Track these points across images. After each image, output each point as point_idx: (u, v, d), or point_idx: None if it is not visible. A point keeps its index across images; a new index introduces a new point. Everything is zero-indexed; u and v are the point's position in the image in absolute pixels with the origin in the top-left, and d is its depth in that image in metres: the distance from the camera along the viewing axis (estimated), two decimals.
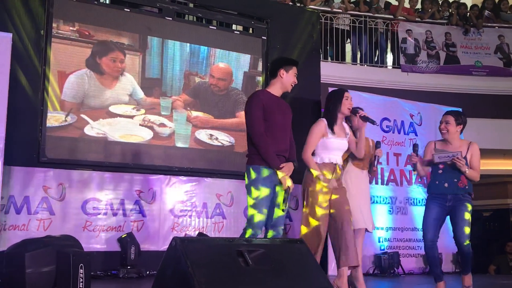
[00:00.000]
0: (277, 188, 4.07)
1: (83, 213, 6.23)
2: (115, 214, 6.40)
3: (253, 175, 4.03)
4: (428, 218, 4.96)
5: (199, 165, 7.05)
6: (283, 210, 4.07)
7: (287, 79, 4.19)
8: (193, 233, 6.75)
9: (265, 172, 4.01)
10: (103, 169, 6.43)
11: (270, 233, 4.09)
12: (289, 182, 4.02)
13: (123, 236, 6.25)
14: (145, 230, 6.54)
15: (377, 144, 5.02)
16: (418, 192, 8.10)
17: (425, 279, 7.02)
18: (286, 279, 3.01)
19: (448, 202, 4.87)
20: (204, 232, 6.80)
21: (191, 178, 6.93)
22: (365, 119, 4.68)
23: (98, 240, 6.26)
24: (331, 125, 4.47)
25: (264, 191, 3.99)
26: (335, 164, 4.45)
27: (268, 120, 4.07)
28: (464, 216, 4.86)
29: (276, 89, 4.23)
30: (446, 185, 4.87)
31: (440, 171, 4.92)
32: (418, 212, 7.99)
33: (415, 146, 5.09)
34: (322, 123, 4.48)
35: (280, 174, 4.01)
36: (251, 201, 4.04)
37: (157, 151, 6.82)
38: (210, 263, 2.86)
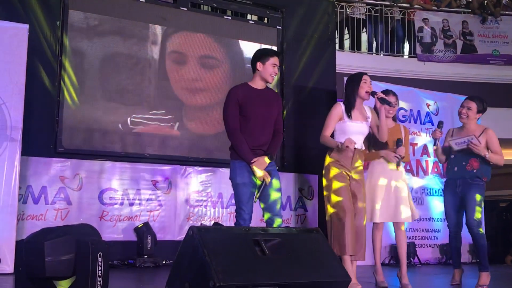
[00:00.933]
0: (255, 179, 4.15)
1: (99, 203, 6.28)
2: (131, 204, 6.44)
3: (231, 170, 4.16)
4: (445, 207, 5.02)
5: (215, 155, 7.07)
6: (254, 201, 4.17)
7: (264, 71, 4.21)
8: (208, 222, 6.78)
9: (241, 167, 4.11)
10: (120, 159, 6.47)
11: (266, 216, 4.24)
12: (259, 174, 4.08)
13: (139, 226, 6.29)
14: (161, 220, 6.57)
15: (440, 124, 5.00)
16: (435, 182, 8.05)
17: (441, 269, 6.99)
18: (302, 268, 3.00)
19: (457, 187, 4.88)
20: (220, 222, 6.83)
21: (207, 168, 6.94)
22: (382, 101, 4.60)
23: (114, 230, 6.31)
24: (348, 109, 4.43)
25: (241, 186, 4.11)
26: (354, 148, 4.39)
27: (245, 115, 4.13)
28: (472, 201, 4.83)
29: (256, 81, 4.25)
30: (455, 169, 4.90)
31: (453, 156, 4.94)
32: (434, 202, 7.95)
33: (440, 123, 5.06)
34: (339, 106, 4.44)
35: (253, 168, 4.08)
36: (234, 195, 4.20)
37: (173, 142, 6.84)
38: (226, 252, 2.86)
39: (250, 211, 4.20)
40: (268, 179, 4.14)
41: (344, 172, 4.36)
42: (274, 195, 4.20)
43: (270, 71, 4.22)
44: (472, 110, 4.92)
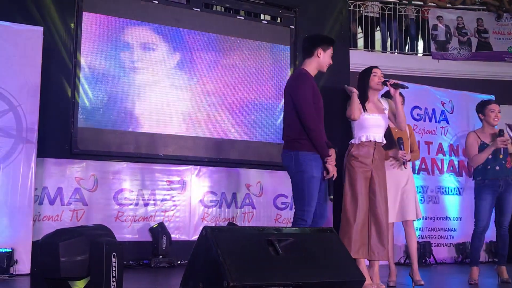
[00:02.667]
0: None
1: (115, 203, 6.32)
2: (146, 205, 6.47)
3: (303, 162, 3.78)
4: (482, 208, 4.98)
5: (229, 156, 7.08)
6: (331, 200, 3.96)
7: (324, 59, 3.92)
8: (223, 223, 6.79)
9: (316, 159, 3.79)
10: (134, 160, 6.50)
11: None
12: (332, 168, 3.85)
13: (154, 226, 6.32)
14: (176, 220, 6.60)
15: (500, 133, 4.98)
16: (450, 180, 7.98)
17: (457, 269, 6.94)
18: (316, 268, 3.00)
19: (500, 188, 4.90)
20: (234, 222, 6.84)
21: (221, 169, 6.96)
22: (396, 86, 4.55)
23: (130, 230, 6.35)
24: (362, 103, 4.35)
25: (316, 180, 3.81)
26: (374, 142, 4.33)
27: (316, 104, 3.83)
28: (511, 201, 4.91)
29: (312, 69, 3.95)
30: (497, 168, 4.91)
31: (490, 156, 4.94)
32: (450, 201, 7.89)
33: (501, 131, 5.05)
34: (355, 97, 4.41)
35: (328, 162, 3.81)
36: (303, 191, 3.79)
37: (187, 142, 6.86)
38: (240, 251, 2.86)
39: (314, 209, 3.83)
40: (336, 174, 3.92)
41: (364, 170, 4.29)
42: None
43: (327, 60, 3.96)
44: (499, 113, 5.07)
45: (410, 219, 4.80)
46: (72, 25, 6.33)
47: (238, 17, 7.53)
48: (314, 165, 3.78)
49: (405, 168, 4.80)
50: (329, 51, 3.95)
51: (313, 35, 4.17)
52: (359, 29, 9.57)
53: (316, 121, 3.77)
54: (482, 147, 5.04)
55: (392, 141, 4.76)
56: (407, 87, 4.62)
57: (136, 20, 6.75)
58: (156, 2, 6.91)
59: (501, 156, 4.97)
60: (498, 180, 4.93)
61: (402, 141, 4.77)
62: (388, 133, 4.65)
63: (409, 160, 4.88)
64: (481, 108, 5.19)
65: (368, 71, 4.47)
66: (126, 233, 6.30)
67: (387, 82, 4.47)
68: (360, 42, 9.59)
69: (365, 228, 4.22)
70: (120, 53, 6.62)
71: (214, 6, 7.54)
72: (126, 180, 6.42)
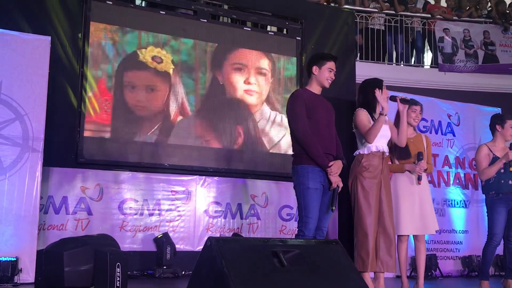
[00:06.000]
0: (325, 188, 4.01)
1: (120, 213, 6.31)
2: (151, 214, 6.46)
3: (301, 175, 3.96)
4: (498, 222, 4.99)
5: (234, 166, 7.07)
6: (332, 210, 4.01)
7: (320, 75, 4.11)
8: (228, 233, 6.77)
9: (313, 171, 3.94)
10: (140, 170, 6.50)
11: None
12: (335, 179, 3.95)
13: (159, 236, 6.31)
14: (181, 230, 6.58)
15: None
16: (457, 193, 7.94)
17: (463, 282, 6.88)
18: (321, 280, 2.98)
19: None
20: (239, 233, 6.82)
21: (226, 179, 6.95)
22: (405, 101, 4.56)
23: (134, 240, 6.33)
24: (371, 114, 4.40)
25: (313, 191, 3.93)
26: (382, 152, 4.35)
27: (312, 118, 4.00)
28: None
29: (314, 86, 4.16)
30: (510, 182, 4.92)
31: (502, 170, 4.94)
32: (456, 214, 7.85)
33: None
34: (363, 111, 4.42)
35: (329, 173, 3.94)
36: (300, 202, 3.97)
37: (192, 152, 6.86)
38: (245, 263, 2.85)
39: (316, 219, 3.96)
40: (341, 185, 4.03)
41: (376, 181, 4.29)
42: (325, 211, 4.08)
43: (326, 75, 4.11)
44: None
45: (431, 233, 4.81)
46: (80, 35, 6.36)
47: (244, 28, 7.55)
48: (310, 177, 3.92)
49: (419, 184, 4.78)
50: (326, 67, 4.10)
51: (312, 55, 4.37)
52: (365, 41, 9.58)
53: (308, 135, 3.93)
54: (494, 160, 5.04)
55: (407, 152, 4.75)
56: (419, 104, 4.65)
57: (143, 31, 6.77)
58: (163, 12, 6.94)
59: (511, 169, 4.97)
60: (511, 194, 4.94)
61: (422, 156, 4.76)
62: (397, 148, 4.66)
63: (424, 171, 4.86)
64: (501, 120, 5.19)
65: (379, 84, 4.48)
66: (131, 243, 6.29)
67: (396, 97, 4.49)
68: (367, 54, 9.59)
69: (375, 239, 4.23)
70: (126, 63, 6.63)
71: (221, 17, 7.57)
72: (131, 189, 6.42)
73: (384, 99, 4.35)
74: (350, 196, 4.38)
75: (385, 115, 4.31)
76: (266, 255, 2.95)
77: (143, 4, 7.17)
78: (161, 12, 6.92)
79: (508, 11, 10.37)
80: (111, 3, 6.63)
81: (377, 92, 4.36)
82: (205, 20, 7.16)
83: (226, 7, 7.47)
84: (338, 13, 8.21)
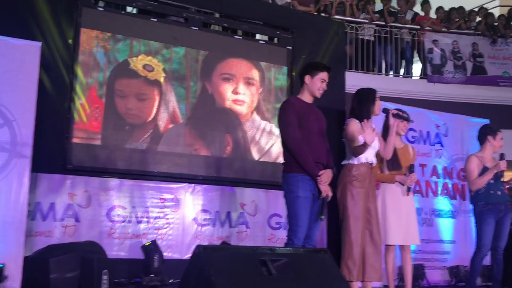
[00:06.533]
0: (314, 197, 4.02)
1: (108, 220, 6.28)
2: (139, 222, 6.43)
3: (291, 183, 3.97)
4: (487, 234, 5.02)
5: (224, 174, 7.06)
6: (321, 219, 4.03)
7: (312, 85, 4.12)
8: (216, 242, 6.75)
9: (303, 180, 3.95)
10: (128, 177, 6.48)
11: None
12: (325, 188, 3.96)
13: (147, 244, 6.28)
14: (169, 238, 6.56)
15: (502, 156, 5.01)
16: (444, 203, 7.98)
17: None
18: None
19: (500, 212, 4.94)
20: (228, 241, 6.80)
21: (215, 187, 6.94)
22: (398, 116, 4.59)
23: (122, 248, 6.29)
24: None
25: (303, 200, 3.94)
26: (371, 162, 4.39)
27: (303, 126, 4.01)
28: (509, 225, 4.96)
29: (305, 95, 4.18)
30: (499, 193, 4.95)
31: (492, 181, 4.98)
32: (444, 224, 7.88)
33: (502, 155, 5.11)
34: (356, 122, 4.44)
35: (318, 182, 3.95)
36: (290, 211, 3.97)
37: (182, 159, 6.85)
38: (233, 271, 2.85)
39: (305, 228, 3.97)
40: (331, 194, 4.03)
41: (364, 190, 4.31)
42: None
43: (318, 85, 4.13)
44: None
45: (415, 243, 4.83)
46: (70, 41, 6.34)
47: (235, 36, 7.57)
48: (301, 185, 3.93)
49: (408, 195, 4.82)
50: (318, 77, 4.11)
51: (306, 63, 4.36)
52: (355, 51, 9.63)
53: (298, 144, 3.93)
54: (485, 170, 5.08)
55: (398, 164, 4.78)
56: (412, 121, 4.69)
57: (135, 38, 6.77)
58: (155, 20, 6.94)
59: (502, 180, 5.02)
60: (500, 204, 4.96)
61: (413, 168, 4.80)
62: (393, 155, 4.68)
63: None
64: (493, 131, 5.23)
65: (373, 95, 4.50)
66: (118, 250, 6.25)
67: (390, 111, 4.53)
68: (356, 64, 9.65)
69: (362, 249, 4.24)
70: (117, 69, 6.62)
71: (212, 26, 7.59)
72: (119, 196, 6.39)
73: (396, 130, 4.43)
74: (338, 205, 4.39)
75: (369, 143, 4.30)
76: (255, 263, 2.95)
77: (135, 11, 7.17)
78: (152, 19, 6.92)
79: (496, 24, 10.48)
80: (102, 9, 6.63)
81: (394, 123, 4.42)
82: (197, 28, 7.17)
83: (217, 15, 7.50)
84: (328, 23, 8.27)
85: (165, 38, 6.96)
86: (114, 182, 6.38)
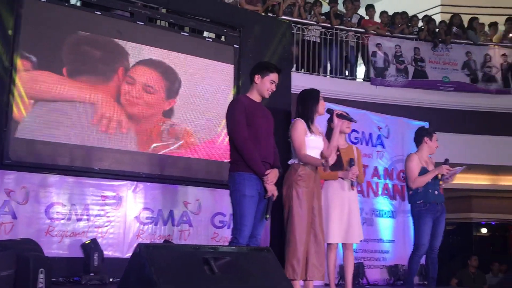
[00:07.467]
0: (260, 196, 4.02)
1: (46, 217, 6.09)
2: (79, 220, 6.28)
3: (238, 182, 3.96)
4: (424, 233, 5.13)
5: (167, 172, 6.98)
6: (266, 219, 4.04)
7: (261, 85, 4.13)
8: (158, 240, 6.67)
9: (250, 179, 3.95)
10: (69, 173, 6.30)
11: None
12: (271, 187, 3.98)
13: (86, 242, 6.13)
14: (110, 236, 6.43)
15: (446, 161, 5.10)
16: (385, 204, 8.18)
17: None
18: None
19: (437, 212, 5.07)
20: (170, 240, 6.73)
21: (158, 185, 6.85)
22: (342, 116, 4.65)
23: (61, 246, 6.13)
24: (308, 124, 4.46)
25: (249, 199, 3.93)
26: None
27: (251, 125, 4.01)
28: (444, 225, 5.10)
29: (254, 94, 4.18)
30: (436, 192, 5.08)
31: (430, 180, 5.11)
32: (384, 224, 8.07)
33: (446, 160, 5.23)
34: (301, 122, 4.47)
35: (265, 181, 3.96)
36: (236, 210, 3.97)
37: (125, 157, 6.72)
38: (175, 270, 2.82)
39: (251, 227, 3.96)
40: (276, 193, 4.04)
41: (309, 190, 4.35)
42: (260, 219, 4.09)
43: (267, 86, 4.13)
44: None
45: (355, 242, 4.89)
46: (10, 32, 6.11)
47: (182, 33, 7.50)
48: (247, 184, 3.93)
49: (353, 189, 4.89)
50: (268, 78, 4.13)
51: (258, 63, 4.34)
52: (301, 52, 9.72)
53: (246, 143, 3.94)
54: (423, 170, 5.20)
55: (340, 163, 4.84)
56: (355, 121, 4.77)
57: (77, 31, 6.59)
58: (99, 13, 6.78)
59: (441, 183, 5.16)
60: (437, 204, 5.10)
61: (354, 162, 4.88)
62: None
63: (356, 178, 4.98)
64: (429, 133, 5.37)
65: (316, 95, 4.55)
66: (57, 248, 6.08)
67: (334, 112, 4.59)
68: (302, 65, 9.74)
69: (306, 248, 4.28)
70: (59, 64, 6.43)
71: (159, 21, 7.49)
72: (59, 193, 6.21)
73: (340, 130, 4.50)
74: (284, 205, 4.42)
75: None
76: (197, 262, 2.93)
77: (79, 4, 6.98)
78: (96, 12, 6.76)
79: (437, 29, 10.80)
80: (44, 1, 6.42)
81: (337, 122, 4.47)
82: (142, 23, 7.06)
83: (164, 10, 7.40)
84: (276, 23, 8.31)
85: (109, 32, 6.81)
86: (53, 178, 6.21)
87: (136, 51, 6.93)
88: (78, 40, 6.58)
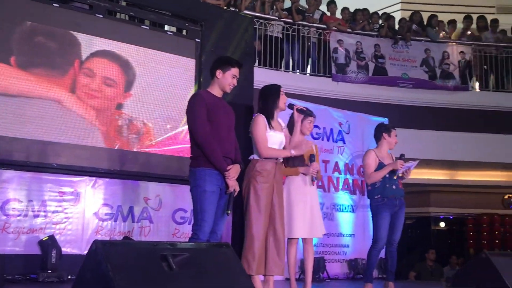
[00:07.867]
0: (222, 191, 4.02)
1: (2, 214, 5.94)
2: (36, 216, 6.15)
3: (199, 178, 3.94)
4: (382, 227, 5.20)
5: (127, 168, 6.89)
6: (227, 214, 4.04)
7: (223, 79, 4.12)
8: (118, 237, 6.59)
9: (211, 174, 3.93)
10: (25, 169, 6.16)
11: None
12: (233, 182, 3.98)
13: (44, 239, 6.02)
14: (68, 233, 6.32)
15: (401, 156, 5.14)
16: (345, 198, 8.26)
17: (349, 284, 7.16)
18: (210, 284, 2.97)
19: (395, 207, 5.13)
20: (130, 236, 6.66)
21: (118, 181, 6.75)
22: (302, 112, 4.68)
23: (17, 243, 5.99)
24: (269, 120, 4.47)
25: (210, 195, 3.92)
26: (276, 159, 4.44)
27: (212, 120, 3.99)
28: (403, 219, 5.19)
29: (215, 89, 4.16)
30: (394, 187, 5.15)
31: (387, 175, 5.18)
32: (344, 218, 8.16)
33: (402, 155, 5.29)
34: (262, 117, 4.47)
35: (226, 177, 3.95)
36: (196, 205, 3.95)
37: (84, 152, 6.60)
38: (132, 267, 2.77)
39: (211, 223, 3.94)
40: (238, 189, 4.03)
41: (268, 185, 4.35)
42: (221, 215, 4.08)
43: (229, 81, 4.11)
44: None
45: (318, 236, 4.93)
46: None
47: (142, 26, 7.40)
48: (208, 180, 3.91)
49: (313, 185, 4.93)
50: (230, 72, 4.12)
51: (219, 57, 4.32)
52: (263, 47, 9.72)
53: (207, 138, 3.93)
54: (381, 166, 5.27)
55: (300, 158, 4.86)
56: (314, 116, 4.79)
57: (35, 23, 6.43)
58: (57, 5, 6.63)
59: (395, 177, 5.24)
60: (395, 199, 5.18)
61: (314, 158, 4.91)
62: None
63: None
64: (387, 129, 5.45)
65: (277, 90, 4.56)
66: (13, 245, 5.94)
67: (294, 106, 4.60)
68: (264, 60, 9.74)
69: (264, 243, 4.28)
70: (13, 55, 6.26)
71: (118, 14, 7.37)
72: (16, 189, 6.07)
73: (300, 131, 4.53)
74: (243, 200, 4.42)
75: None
76: (155, 258, 2.89)
77: None
78: (54, 4, 6.61)
79: (397, 27, 10.95)
80: None
81: (297, 118, 4.50)
82: (101, 16, 6.93)
83: (123, 3, 7.29)
84: (238, 18, 8.27)
85: (68, 24, 6.67)
86: (9, 174, 6.06)
87: (94, 44, 6.82)
88: (31, 31, 6.41)
